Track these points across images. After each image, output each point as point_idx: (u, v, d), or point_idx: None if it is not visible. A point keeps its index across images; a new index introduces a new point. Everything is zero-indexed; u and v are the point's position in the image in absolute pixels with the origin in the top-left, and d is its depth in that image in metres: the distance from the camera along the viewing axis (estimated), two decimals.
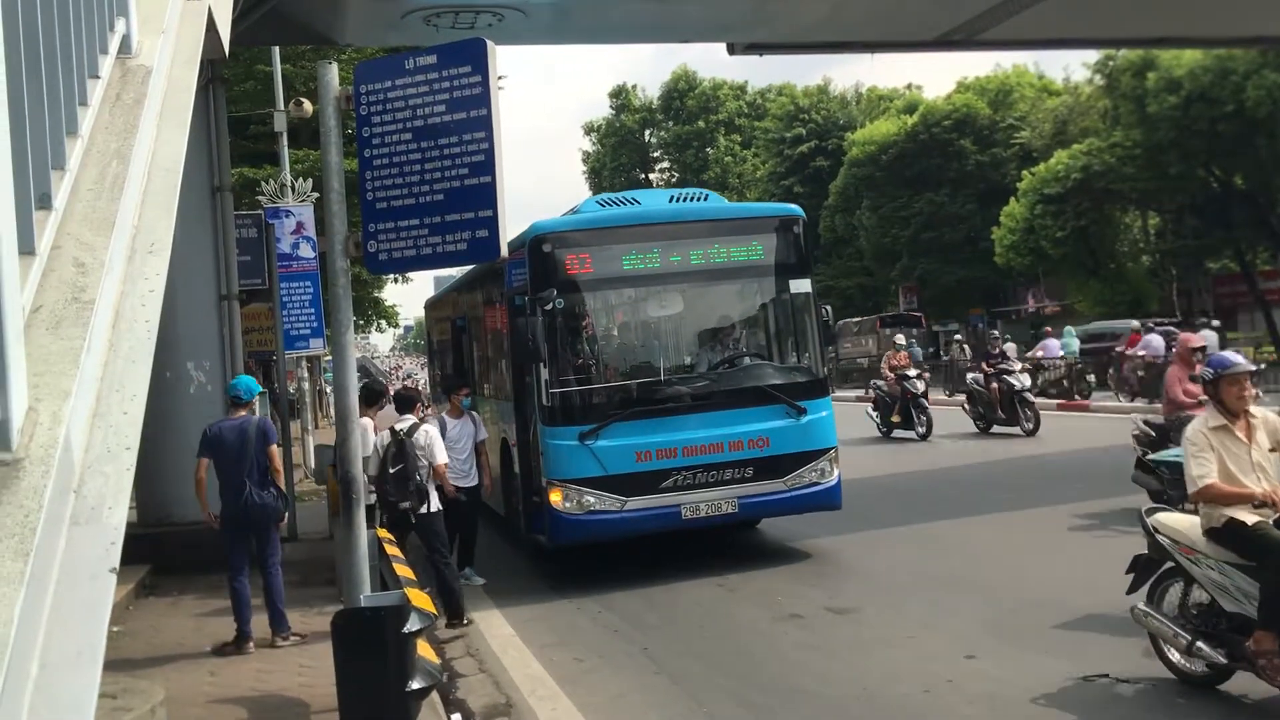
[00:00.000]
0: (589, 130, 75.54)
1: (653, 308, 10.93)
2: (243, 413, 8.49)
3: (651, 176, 70.83)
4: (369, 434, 8.98)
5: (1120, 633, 7.31)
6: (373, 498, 8.81)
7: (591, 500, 9.86)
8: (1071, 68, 60.99)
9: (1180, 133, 34.40)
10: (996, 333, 24.93)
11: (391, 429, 9.05)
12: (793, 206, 11.53)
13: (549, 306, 9.90)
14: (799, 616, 8.54)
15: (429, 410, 19.03)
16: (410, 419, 9.25)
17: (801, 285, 10.76)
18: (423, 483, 8.87)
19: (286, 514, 8.41)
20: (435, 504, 9.04)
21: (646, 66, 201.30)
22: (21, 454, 2.37)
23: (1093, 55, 37.80)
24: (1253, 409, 6.16)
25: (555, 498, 9.89)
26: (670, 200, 11.43)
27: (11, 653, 1.97)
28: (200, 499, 8.30)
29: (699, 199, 11.44)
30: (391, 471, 8.82)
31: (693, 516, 10.05)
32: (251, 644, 8.14)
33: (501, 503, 12.22)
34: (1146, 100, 35.04)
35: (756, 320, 11.56)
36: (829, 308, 11.28)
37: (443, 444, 9.31)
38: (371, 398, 9.50)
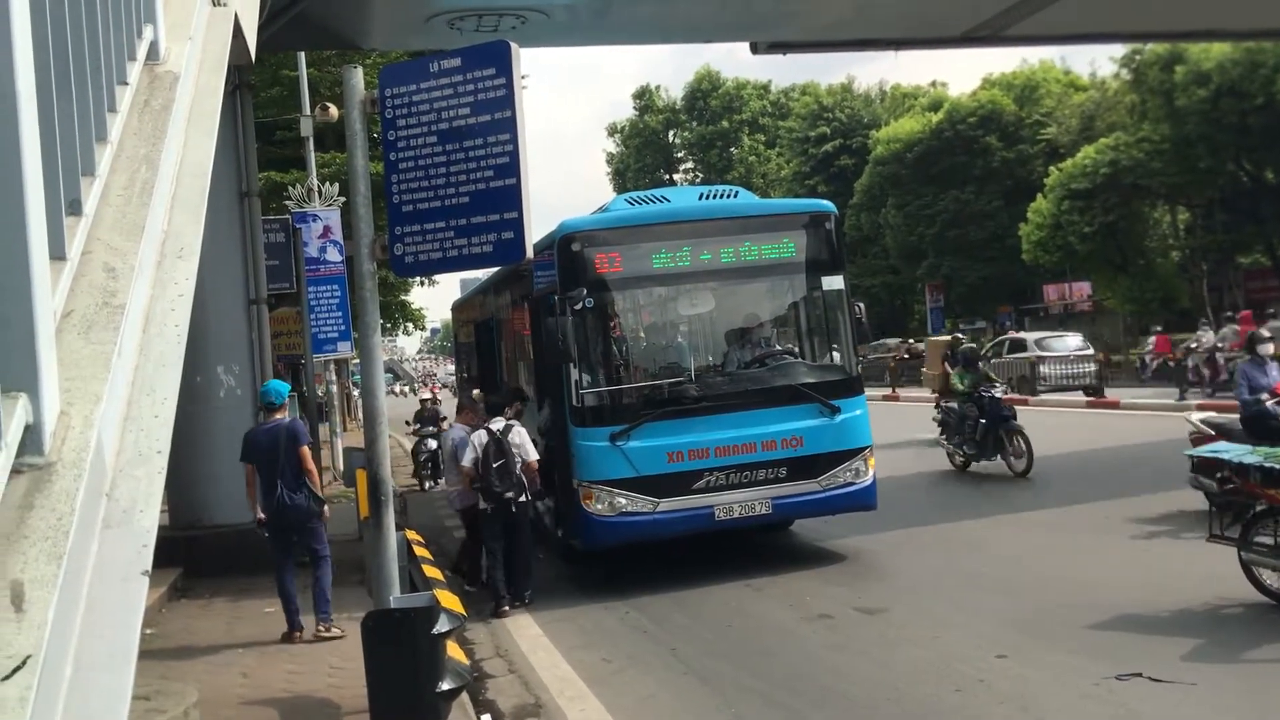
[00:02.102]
0: (613, 131, 75.72)
1: (683, 306, 10.86)
2: (278, 416, 8.59)
3: (675, 177, 70.95)
4: (479, 434, 9.80)
5: (1152, 632, 7.26)
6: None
7: (623, 502, 9.76)
8: (1098, 62, 60.39)
9: (1209, 126, 34.15)
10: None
11: (488, 428, 9.66)
12: (824, 203, 11.37)
13: (578, 306, 9.81)
14: (828, 617, 8.50)
15: (444, 419, 19.05)
16: (502, 420, 9.79)
17: (834, 282, 10.59)
18: (519, 475, 9.62)
19: (325, 510, 8.55)
20: (529, 494, 9.80)
21: (669, 67, 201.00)
22: (54, 458, 2.38)
23: (1119, 49, 37.57)
24: None
25: (587, 500, 9.81)
26: (700, 198, 11.34)
27: (45, 655, 1.98)
28: (249, 500, 8.61)
29: (729, 196, 11.37)
30: (495, 466, 9.53)
31: (726, 518, 9.92)
32: (299, 634, 8.35)
33: None
34: (1175, 94, 34.80)
35: (788, 318, 11.47)
36: (862, 305, 11.09)
37: (531, 443, 9.85)
38: (493, 409, 10.23)
